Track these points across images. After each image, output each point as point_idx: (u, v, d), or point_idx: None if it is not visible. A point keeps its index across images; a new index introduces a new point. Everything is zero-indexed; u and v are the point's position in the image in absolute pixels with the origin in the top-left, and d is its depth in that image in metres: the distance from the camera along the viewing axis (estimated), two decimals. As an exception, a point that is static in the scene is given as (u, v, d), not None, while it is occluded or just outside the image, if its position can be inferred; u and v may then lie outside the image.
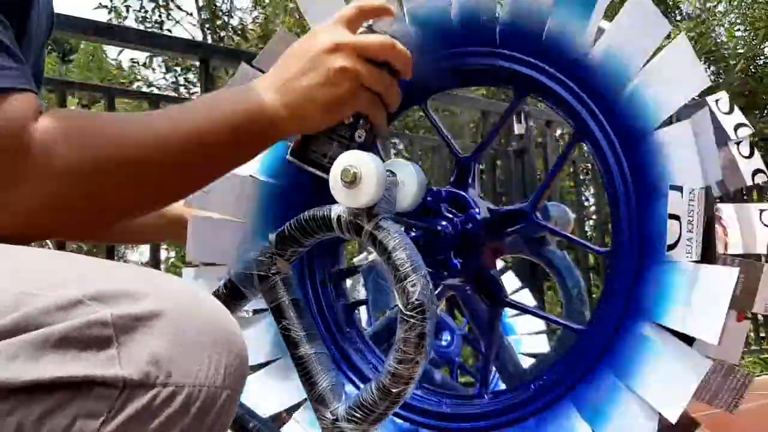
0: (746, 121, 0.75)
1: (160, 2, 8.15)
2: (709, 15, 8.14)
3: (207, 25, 8.78)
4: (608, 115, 0.73)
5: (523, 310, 0.97)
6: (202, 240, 0.94)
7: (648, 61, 0.71)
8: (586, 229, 3.55)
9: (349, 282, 1.68)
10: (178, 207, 0.90)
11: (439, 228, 0.85)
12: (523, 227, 0.85)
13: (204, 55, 1.74)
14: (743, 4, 8.12)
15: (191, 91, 9.07)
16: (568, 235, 1.01)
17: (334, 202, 0.64)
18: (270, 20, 8.32)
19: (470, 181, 0.88)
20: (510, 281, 1.60)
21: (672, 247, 0.67)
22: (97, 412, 0.38)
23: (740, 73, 8.45)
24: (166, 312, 0.41)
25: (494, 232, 0.85)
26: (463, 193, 0.86)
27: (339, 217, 0.64)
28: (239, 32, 8.81)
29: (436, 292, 0.79)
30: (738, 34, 8.43)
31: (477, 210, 0.85)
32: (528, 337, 1.56)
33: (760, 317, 3.70)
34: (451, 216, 0.85)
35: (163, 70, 9.11)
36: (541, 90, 0.78)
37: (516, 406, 0.78)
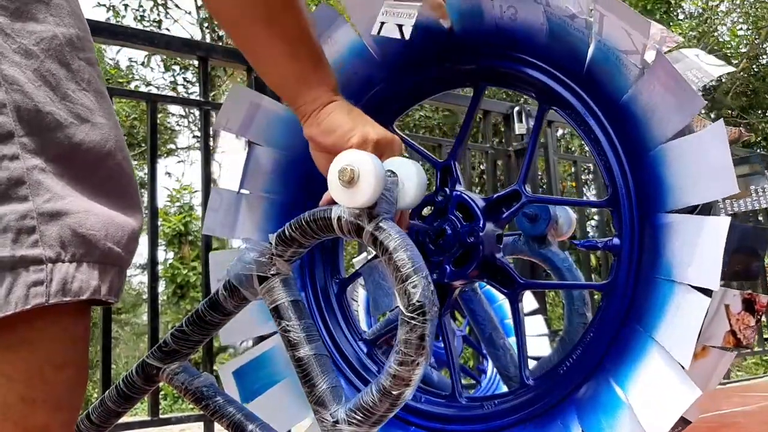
0: None
1: (159, 1, 8.15)
2: (711, 14, 8.14)
3: (206, 24, 8.78)
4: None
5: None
6: (219, 212, 0.95)
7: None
8: (588, 229, 3.55)
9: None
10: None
11: (446, 227, 0.84)
12: (521, 205, 0.86)
13: (203, 54, 1.72)
14: (746, 2, 8.11)
15: (189, 90, 9.07)
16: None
17: None
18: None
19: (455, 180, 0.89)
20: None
21: None
22: None
23: (743, 73, 8.44)
24: None
25: (494, 217, 0.86)
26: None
27: (339, 218, 0.63)
28: (239, 32, 8.80)
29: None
30: (740, 32, 8.43)
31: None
32: (529, 340, 1.55)
33: (763, 319, 3.70)
34: (455, 220, 0.85)
35: (162, 69, 9.12)
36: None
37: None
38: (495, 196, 0.87)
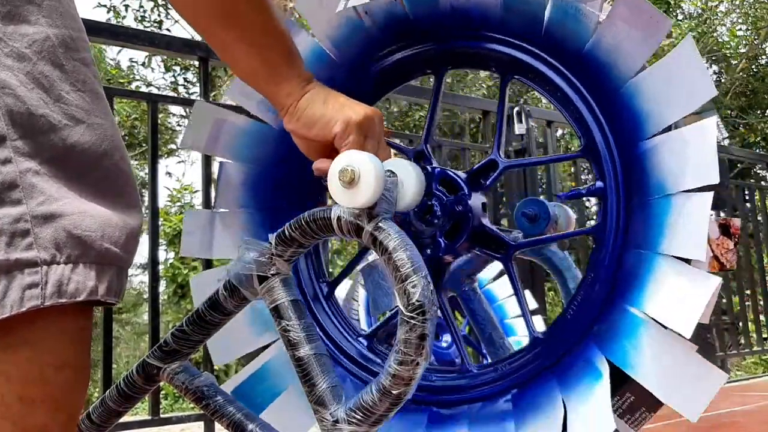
0: None
1: (159, 1, 8.15)
2: (710, 14, 8.13)
3: (207, 25, 8.76)
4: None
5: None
6: (195, 234, 0.96)
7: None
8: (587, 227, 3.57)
9: (348, 283, 1.68)
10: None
11: (432, 203, 0.86)
12: (499, 173, 0.87)
13: (203, 54, 1.73)
14: (745, 3, 8.11)
15: (190, 91, 9.07)
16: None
17: None
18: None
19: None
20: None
21: None
22: None
23: (742, 73, 8.43)
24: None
25: (476, 187, 0.87)
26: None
27: (339, 218, 0.64)
28: (239, 32, 8.79)
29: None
30: (740, 33, 8.43)
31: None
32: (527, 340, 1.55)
33: (762, 318, 3.70)
34: (441, 195, 0.87)
35: (162, 69, 9.12)
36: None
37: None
38: (474, 168, 0.88)
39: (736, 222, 0.77)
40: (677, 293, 0.67)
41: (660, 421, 1.86)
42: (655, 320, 0.68)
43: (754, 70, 8.61)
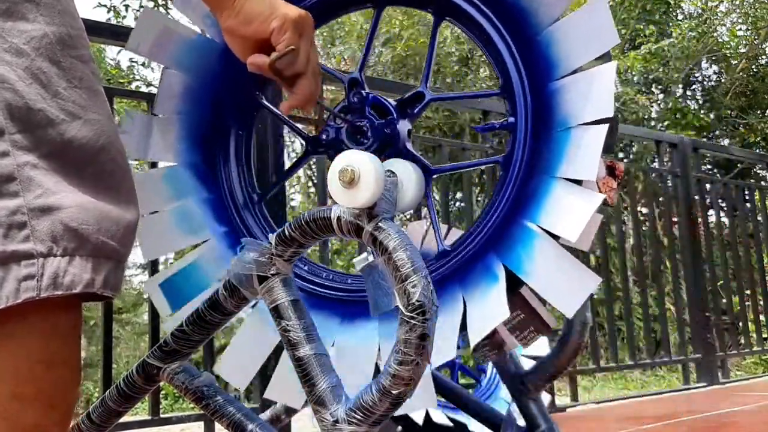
0: None
1: (159, 2, 8.15)
2: (711, 14, 8.13)
3: (207, 25, 8.77)
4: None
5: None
6: (132, 136, 0.99)
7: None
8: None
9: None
10: None
11: (363, 125, 0.90)
12: (425, 104, 0.92)
13: (203, 55, 1.73)
14: (745, 3, 8.11)
15: (191, 91, 9.06)
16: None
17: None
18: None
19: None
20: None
21: None
22: None
23: (742, 73, 8.43)
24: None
25: (404, 114, 0.93)
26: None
27: (339, 218, 0.64)
28: (239, 32, 8.80)
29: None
30: (740, 33, 8.42)
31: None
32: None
33: (762, 318, 3.70)
34: (372, 117, 0.91)
35: (163, 69, 9.12)
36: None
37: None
38: (403, 97, 0.93)
39: (621, 166, 0.89)
40: (567, 207, 0.76)
41: (660, 421, 1.86)
42: (547, 231, 0.77)
43: (754, 70, 8.59)
